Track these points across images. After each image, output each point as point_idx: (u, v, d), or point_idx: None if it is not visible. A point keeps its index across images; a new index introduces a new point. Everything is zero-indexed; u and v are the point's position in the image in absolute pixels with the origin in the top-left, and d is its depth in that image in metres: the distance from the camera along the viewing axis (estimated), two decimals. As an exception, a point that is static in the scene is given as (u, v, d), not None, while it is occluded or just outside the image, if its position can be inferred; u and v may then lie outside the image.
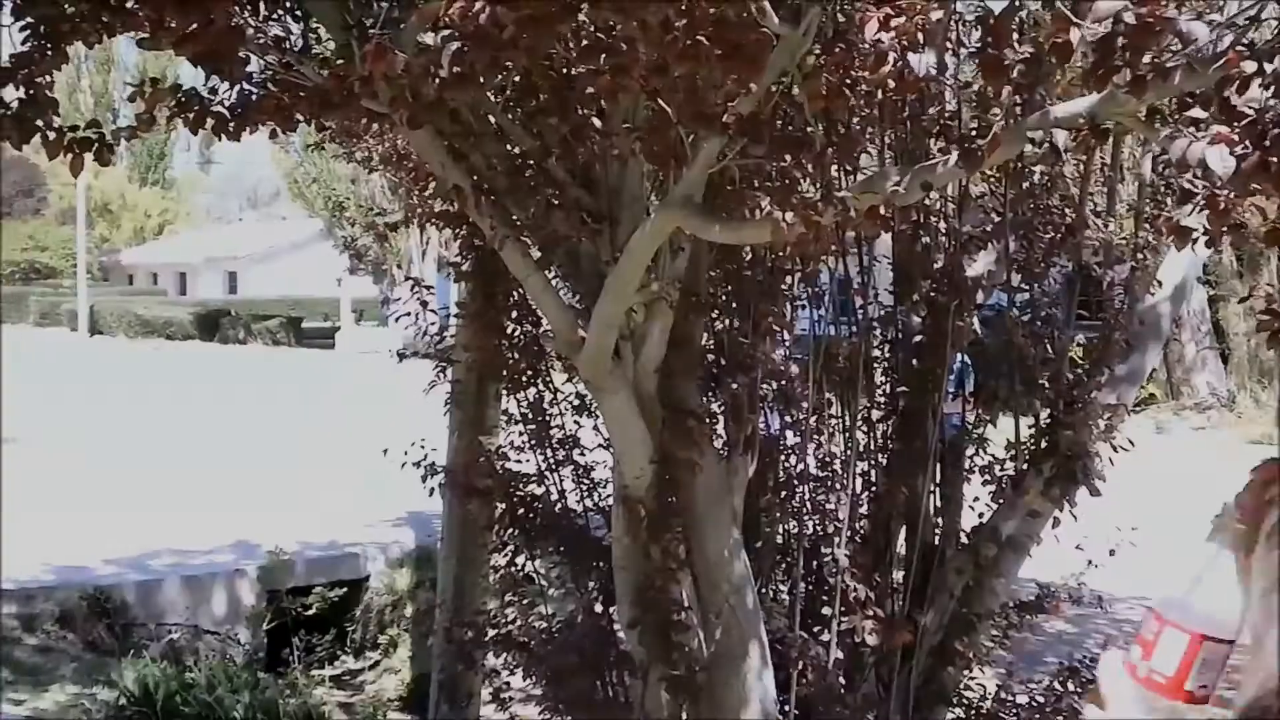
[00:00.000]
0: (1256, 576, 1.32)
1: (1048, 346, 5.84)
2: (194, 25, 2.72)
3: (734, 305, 5.38)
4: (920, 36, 2.77)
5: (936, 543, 5.82)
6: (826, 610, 5.23)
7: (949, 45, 5.06)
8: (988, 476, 5.72)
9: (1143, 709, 1.34)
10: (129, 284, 60.04)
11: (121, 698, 6.37)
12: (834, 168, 4.44)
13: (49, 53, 3.65)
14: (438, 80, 3.00)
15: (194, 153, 75.23)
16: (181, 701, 6.40)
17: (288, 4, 3.71)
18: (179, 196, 71.54)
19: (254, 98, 3.81)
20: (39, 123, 3.78)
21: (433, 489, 6.28)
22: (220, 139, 3.88)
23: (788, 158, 3.95)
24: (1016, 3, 2.46)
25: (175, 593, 8.60)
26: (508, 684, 6.23)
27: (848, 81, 4.16)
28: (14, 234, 57.75)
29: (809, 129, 3.89)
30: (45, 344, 40.89)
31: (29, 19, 3.53)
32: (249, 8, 3.56)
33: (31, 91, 3.77)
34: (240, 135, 3.84)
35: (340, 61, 3.56)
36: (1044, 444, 5.61)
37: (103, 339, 44.03)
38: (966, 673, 5.80)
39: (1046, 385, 5.75)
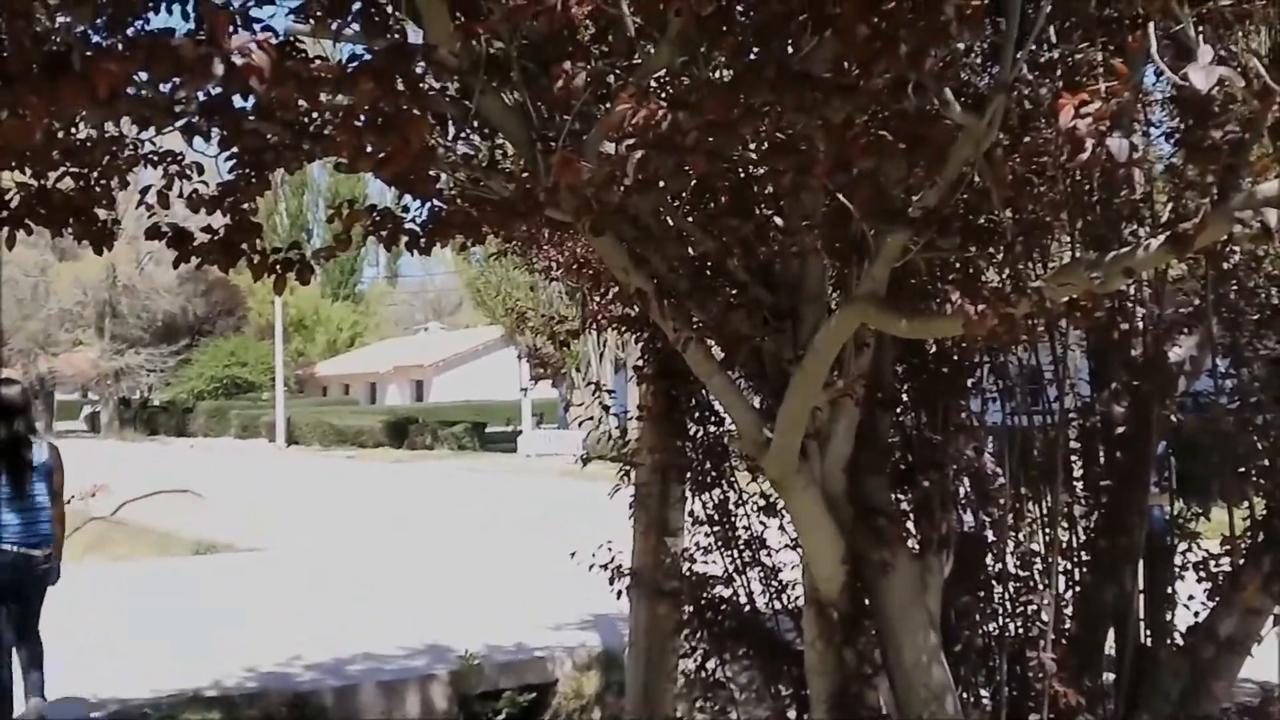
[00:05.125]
0: None
1: (1259, 434, 5.53)
2: (391, 149, 2.83)
3: (921, 400, 5.26)
4: (1114, 119, 2.69)
5: (1149, 644, 5.53)
6: (1034, 717, 4.98)
7: (1137, 125, 4.93)
8: (1202, 573, 5.41)
9: None
10: (323, 395, 62.48)
11: (322, 804, 6.47)
12: (1024, 257, 4.34)
13: (253, 180, 3.86)
14: (621, 188, 3.04)
15: (381, 267, 78.42)
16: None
17: (475, 123, 3.83)
18: (368, 309, 74.38)
19: (444, 213, 3.94)
20: (244, 247, 3.98)
21: (620, 592, 6.26)
22: (413, 254, 4.02)
23: (974, 248, 3.87)
24: (1220, 85, 2.36)
25: (371, 697, 8.72)
26: (701, 793, 6.11)
27: (1033, 168, 4.09)
28: (217, 352, 60.79)
29: (996, 218, 3.82)
30: (246, 455, 42.76)
31: (235, 149, 3.72)
32: (439, 129, 3.70)
33: (237, 218, 3.98)
34: (431, 249, 3.97)
35: (526, 174, 3.66)
36: (1261, 537, 5.30)
37: (299, 448, 45.77)
38: (1187, 782, 5.44)
39: (1259, 476, 5.45)
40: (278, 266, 3.93)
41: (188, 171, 4.06)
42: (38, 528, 7.03)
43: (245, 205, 3.96)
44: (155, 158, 4.14)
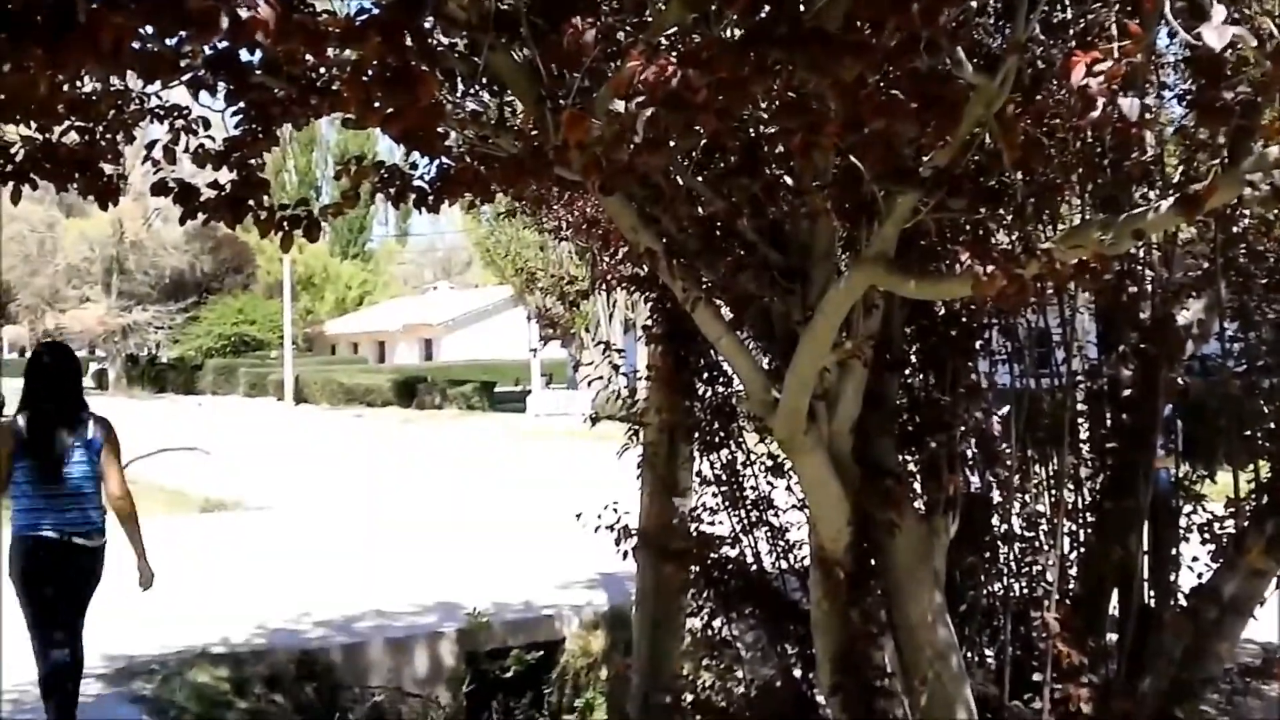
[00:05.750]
0: None
1: (1266, 398, 5.53)
2: (399, 104, 2.81)
3: (929, 362, 5.26)
4: (1126, 79, 2.66)
5: (1153, 605, 5.55)
6: (1037, 676, 5.01)
7: (1149, 86, 4.89)
8: (1206, 535, 5.43)
9: None
10: (331, 353, 62.57)
11: (329, 760, 6.51)
12: (1034, 218, 4.31)
13: (260, 136, 3.84)
14: (631, 146, 3.03)
15: (391, 226, 78.25)
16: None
17: (483, 79, 3.81)
18: (377, 268, 74.29)
19: (452, 170, 3.93)
20: (251, 203, 3.97)
21: (626, 552, 6.29)
22: (421, 211, 4.01)
23: (984, 210, 3.85)
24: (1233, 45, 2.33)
25: (379, 654, 8.79)
26: (706, 750, 6.15)
27: (1044, 130, 4.06)
28: (225, 309, 60.88)
29: (1007, 179, 3.80)
30: (254, 413, 42.88)
31: (241, 104, 3.71)
32: (448, 85, 3.67)
33: (244, 173, 3.97)
34: (439, 207, 3.97)
35: (534, 132, 3.64)
36: (1266, 500, 5.31)
37: (307, 407, 45.87)
38: (1188, 742, 5.48)
39: (1265, 439, 5.45)
40: (285, 223, 3.92)
41: (194, 126, 4.05)
42: (84, 513, 6.15)
43: (252, 161, 3.95)
44: (161, 112, 4.13)
